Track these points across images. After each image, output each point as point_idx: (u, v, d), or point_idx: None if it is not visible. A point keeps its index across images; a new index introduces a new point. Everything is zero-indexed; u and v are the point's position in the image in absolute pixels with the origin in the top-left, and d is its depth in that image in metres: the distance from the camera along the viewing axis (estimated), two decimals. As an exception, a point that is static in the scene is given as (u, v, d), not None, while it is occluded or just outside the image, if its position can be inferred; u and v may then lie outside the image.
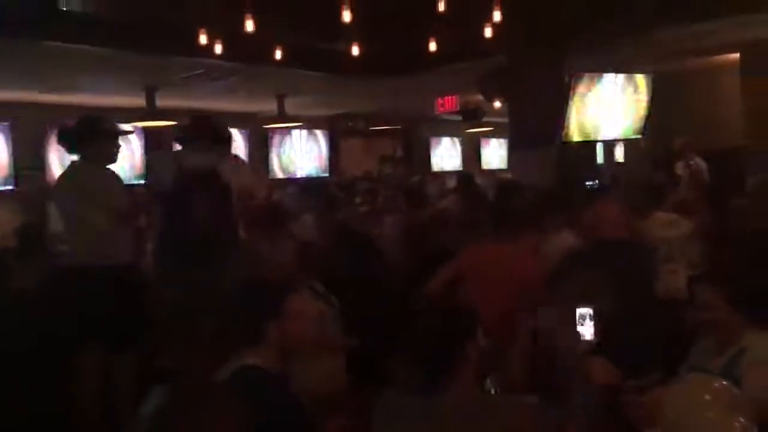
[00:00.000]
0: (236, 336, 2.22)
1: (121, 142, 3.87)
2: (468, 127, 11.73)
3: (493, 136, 13.69)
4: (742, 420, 1.81)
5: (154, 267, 3.99)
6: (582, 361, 2.09)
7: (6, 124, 8.20)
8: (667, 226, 4.61)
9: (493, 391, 2.14)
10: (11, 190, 8.15)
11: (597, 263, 2.85)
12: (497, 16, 4.71)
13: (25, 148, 8.38)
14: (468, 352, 1.89)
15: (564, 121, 6.39)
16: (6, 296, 3.15)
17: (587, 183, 6.71)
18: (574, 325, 2.17)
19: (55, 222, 3.87)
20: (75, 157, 3.78)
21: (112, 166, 3.76)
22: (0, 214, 7.16)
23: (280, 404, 2.07)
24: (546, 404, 2.01)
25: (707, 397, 1.92)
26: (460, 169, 13.19)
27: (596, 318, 2.18)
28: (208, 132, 3.82)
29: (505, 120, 8.55)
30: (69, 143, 3.74)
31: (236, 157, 3.88)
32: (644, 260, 3.67)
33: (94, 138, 3.64)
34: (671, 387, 2.06)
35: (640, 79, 7.08)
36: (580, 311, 2.19)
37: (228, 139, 4.02)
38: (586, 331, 2.27)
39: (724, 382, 1.99)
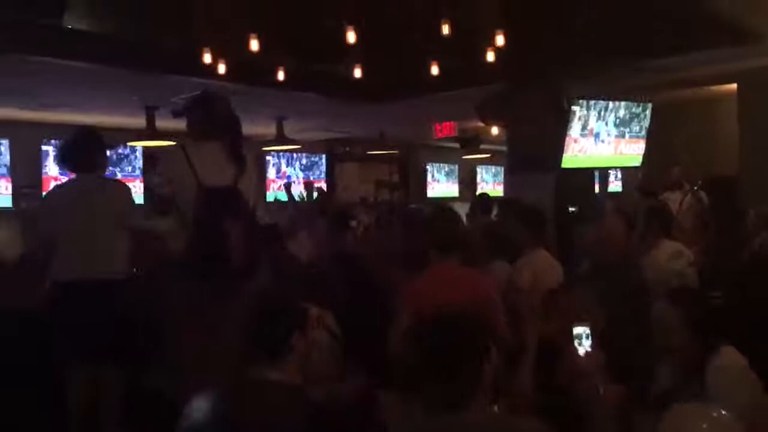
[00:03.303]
0: (254, 350, 2.06)
1: None
2: (465, 153, 11.76)
3: (491, 164, 13.72)
4: None
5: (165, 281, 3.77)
6: (597, 387, 2.04)
7: (5, 141, 8.18)
8: (675, 257, 4.57)
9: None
10: (10, 208, 8.10)
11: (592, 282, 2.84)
12: (500, 40, 4.70)
13: (21, 166, 8.35)
14: (485, 370, 1.83)
15: (563, 147, 6.38)
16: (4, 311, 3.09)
17: (570, 209, 6.67)
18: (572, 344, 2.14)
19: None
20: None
21: None
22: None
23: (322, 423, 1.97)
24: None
25: (704, 425, 1.92)
26: (457, 196, 13.19)
27: (593, 335, 2.16)
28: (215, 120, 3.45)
29: (502, 148, 8.58)
30: (76, 158, 3.60)
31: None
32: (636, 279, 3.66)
33: (98, 150, 3.61)
34: (668, 414, 2.04)
35: (639, 107, 7.10)
36: (576, 330, 2.16)
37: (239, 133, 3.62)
38: (583, 350, 2.27)
39: (722, 411, 1.98)
